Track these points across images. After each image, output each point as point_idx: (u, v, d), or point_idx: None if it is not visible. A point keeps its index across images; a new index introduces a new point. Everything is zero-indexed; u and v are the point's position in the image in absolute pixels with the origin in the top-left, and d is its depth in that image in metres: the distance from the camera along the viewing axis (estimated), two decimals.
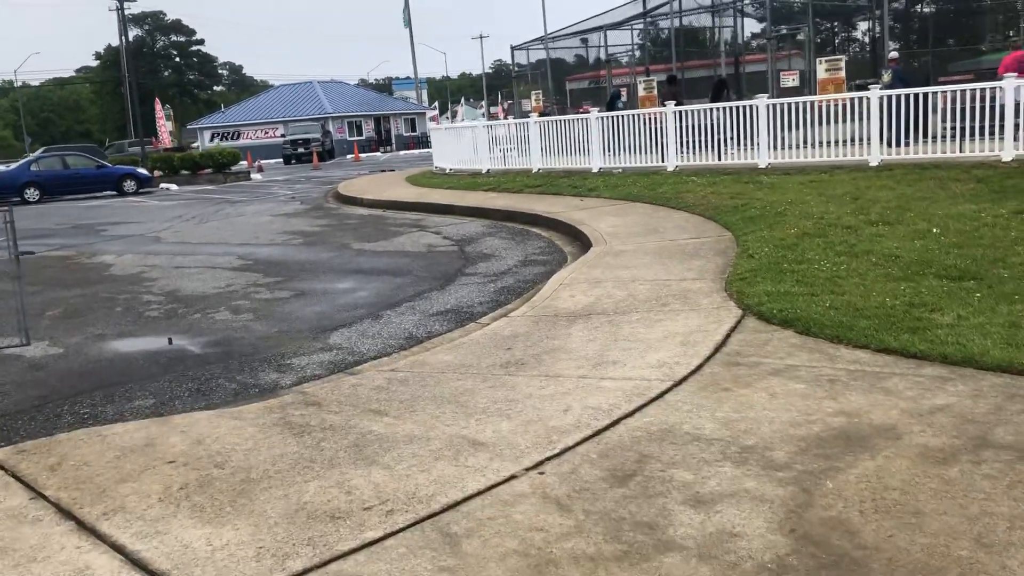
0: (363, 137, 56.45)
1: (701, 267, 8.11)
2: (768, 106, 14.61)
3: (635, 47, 27.13)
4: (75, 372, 6.76)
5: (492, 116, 46.25)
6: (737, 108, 15.15)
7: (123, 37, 44.60)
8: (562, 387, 5.02)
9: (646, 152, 16.66)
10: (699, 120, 15.87)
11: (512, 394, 4.98)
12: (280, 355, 6.87)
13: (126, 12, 45.34)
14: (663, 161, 16.30)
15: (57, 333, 8.20)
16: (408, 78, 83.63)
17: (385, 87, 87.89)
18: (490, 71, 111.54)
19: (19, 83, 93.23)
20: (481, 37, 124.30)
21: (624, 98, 22.23)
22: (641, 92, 21.16)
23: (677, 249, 9.17)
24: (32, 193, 26.93)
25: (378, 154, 52.61)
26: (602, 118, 17.30)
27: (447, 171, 22.18)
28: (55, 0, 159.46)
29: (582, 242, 11.12)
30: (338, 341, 7.22)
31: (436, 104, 66.87)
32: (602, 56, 27.82)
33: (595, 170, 17.28)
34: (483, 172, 20.35)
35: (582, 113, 19.98)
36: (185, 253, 13.00)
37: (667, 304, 6.87)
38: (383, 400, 5.12)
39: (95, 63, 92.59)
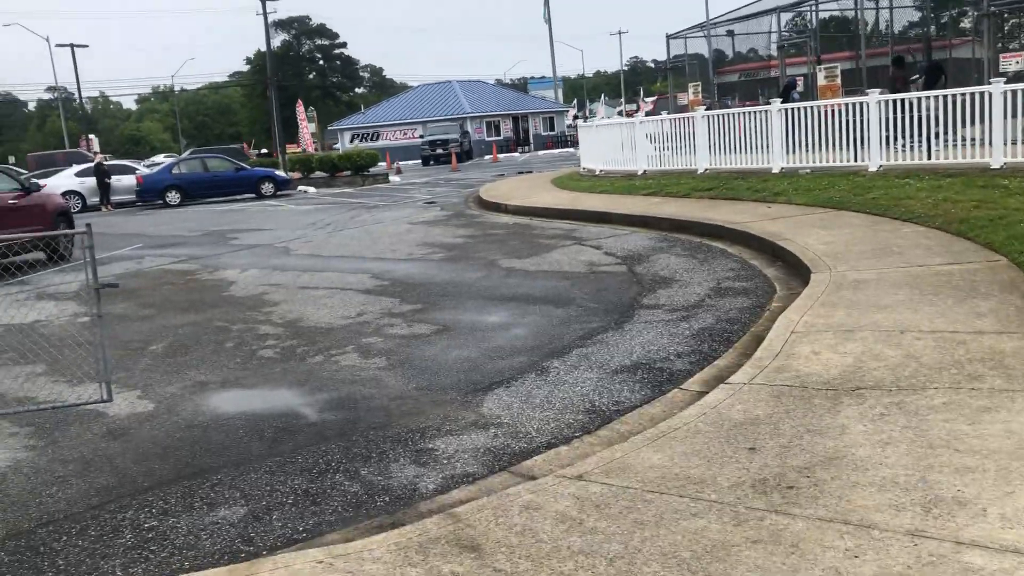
0: (501, 137, 55.16)
1: (995, 311, 5.78)
2: (1005, 93, 11.85)
3: (798, 33, 24.32)
4: (159, 446, 5.17)
5: (629, 114, 43.84)
6: (959, 96, 12.43)
7: (267, 41, 44.81)
8: (890, 558, 2.94)
9: (838, 149, 14.12)
10: (909, 111, 13.22)
11: (802, 567, 2.94)
12: (419, 431, 5.07)
13: (273, 17, 45.68)
14: (861, 160, 13.73)
15: (154, 378, 6.73)
16: (544, 77, 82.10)
17: (521, 87, 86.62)
18: (626, 68, 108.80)
19: (178, 88, 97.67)
20: (620, 33, 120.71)
21: (800, 88, 19.60)
22: (822, 81, 18.50)
23: (938, 279, 6.84)
24: (173, 196, 26.71)
25: (516, 154, 51.15)
26: (785, 110, 14.86)
27: (597, 172, 20.18)
28: (214, 6, 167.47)
29: (785, 262, 8.91)
30: (495, 410, 5.36)
31: (575, 101, 64.83)
32: (745, 49, 25.16)
33: (776, 170, 14.87)
34: (638, 173, 18.25)
35: (745, 107, 17.60)
36: (314, 269, 11.55)
37: (979, 376, 4.64)
38: (579, 552, 3.19)
39: (246, 68, 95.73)
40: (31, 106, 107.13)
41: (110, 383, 5.85)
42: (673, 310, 7.60)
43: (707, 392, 5.06)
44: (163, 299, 10.12)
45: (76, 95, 63.23)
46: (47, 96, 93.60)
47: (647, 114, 28.26)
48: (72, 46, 53.42)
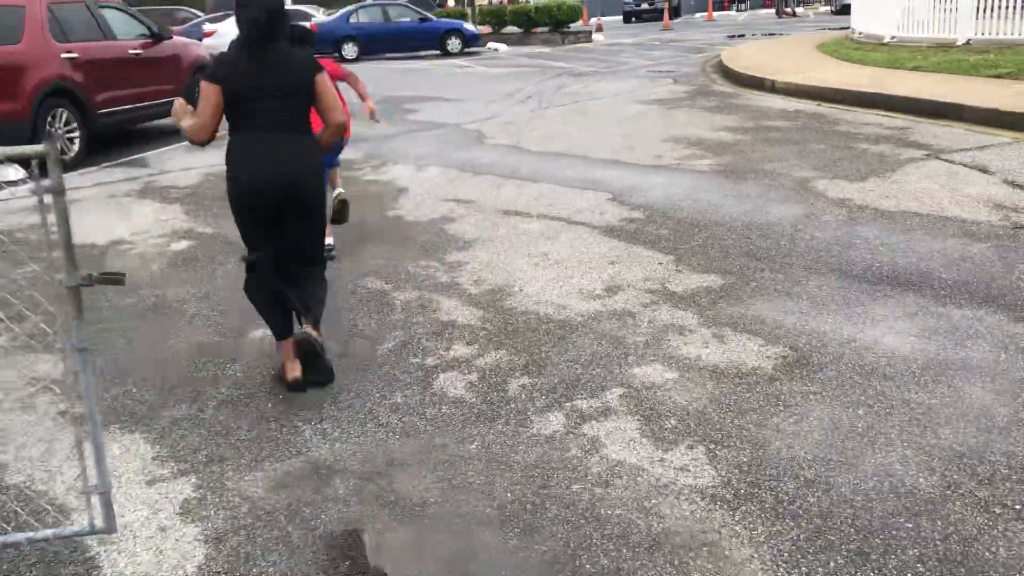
0: None
1: None
2: None
3: None
4: None
5: None
6: None
7: None
8: None
9: None
10: None
11: None
12: None
13: None
14: None
15: (226, 437, 3.36)
16: None
17: None
18: None
19: None
20: None
21: None
22: None
23: None
24: (350, 49, 23.38)
25: (732, 12, 44.59)
26: None
27: (886, 40, 15.08)
28: None
29: None
30: None
31: None
32: None
33: None
34: (958, 43, 13.13)
35: None
36: (520, 176, 7.83)
37: None
38: None
39: None
40: None
41: (108, 495, 2.51)
42: None
43: None
44: None
45: None
46: None
47: None
48: None
